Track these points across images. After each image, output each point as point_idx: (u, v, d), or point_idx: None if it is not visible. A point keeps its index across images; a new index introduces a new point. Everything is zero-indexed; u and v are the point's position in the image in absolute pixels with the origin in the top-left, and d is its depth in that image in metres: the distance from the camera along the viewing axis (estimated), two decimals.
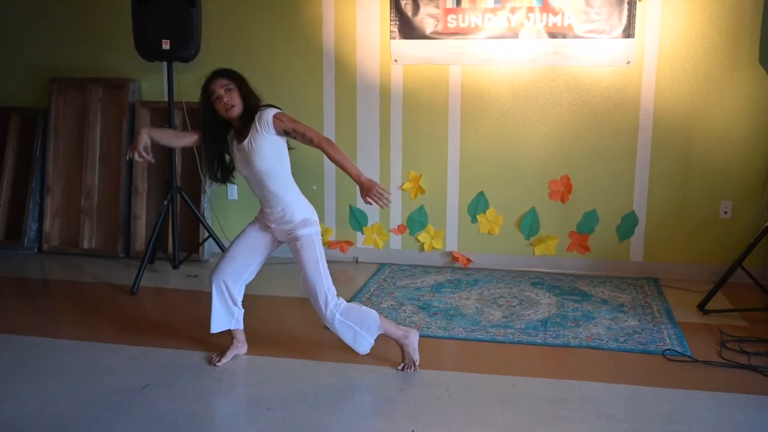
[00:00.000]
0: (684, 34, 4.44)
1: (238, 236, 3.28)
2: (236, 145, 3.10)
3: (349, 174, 2.98)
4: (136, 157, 3.04)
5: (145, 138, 3.05)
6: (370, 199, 2.93)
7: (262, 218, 3.23)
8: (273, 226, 3.18)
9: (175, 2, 4.44)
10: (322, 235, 3.33)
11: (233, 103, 3.02)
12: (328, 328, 3.21)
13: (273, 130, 3.03)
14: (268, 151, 3.04)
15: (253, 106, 3.07)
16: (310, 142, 3.02)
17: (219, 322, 3.26)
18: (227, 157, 3.19)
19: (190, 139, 3.26)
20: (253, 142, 3.03)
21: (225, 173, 3.22)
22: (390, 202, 3.01)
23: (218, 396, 3.02)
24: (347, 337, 3.18)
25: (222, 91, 3.02)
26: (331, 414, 2.85)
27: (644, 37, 4.48)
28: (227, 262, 3.22)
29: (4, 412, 2.86)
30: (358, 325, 3.15)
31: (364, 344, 3.20)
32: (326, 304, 3.10)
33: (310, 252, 3.10)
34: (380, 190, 2.92)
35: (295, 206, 3.15)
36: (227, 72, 3.08)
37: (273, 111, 3.05)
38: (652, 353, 3.44)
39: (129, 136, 5.20)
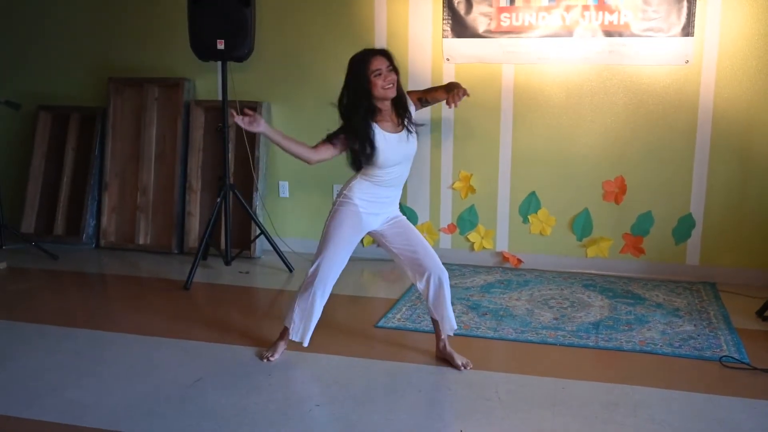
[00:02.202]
0: (746, 31, 4.32)
1: (337, 236, 3.14)
2: (388, 134, 3.03)
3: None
4: (242, 116, 2.90)
5: (257, 128, 2.94)
6: (453, 101, 3.03)
7: (369, 207, 3.15)
8: (382, 212, 3.19)
9: (229, 2, 4.50)
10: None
11: (393, 83, 2.98)
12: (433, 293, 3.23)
13: (413, 107, 3.15)
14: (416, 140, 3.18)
15: (402, 92, 3.08)
16: (439, 98, 3.19)
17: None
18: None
19: (326, 153, 3.04)
20: (411, 127, 3.10)
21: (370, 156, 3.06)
22: (460, 98, 3.06)
23: (268, 391, 3.05)
24: (449, 299, 3.27)
25: (386, 69, 2.96)
26: (379, 412, 2.85)
27: (704, 35, 4.37)
28: (337, 268, 3.20)
29: (63, 401, 2.94)
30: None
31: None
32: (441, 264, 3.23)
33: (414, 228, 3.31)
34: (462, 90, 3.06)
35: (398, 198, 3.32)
36: (388, 54, 3.01)
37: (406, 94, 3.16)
38: (708, 359, 3.35)
39: (184, 134, 5.30)
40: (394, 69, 3.01)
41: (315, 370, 3.28)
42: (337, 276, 3.24)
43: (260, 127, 2.93)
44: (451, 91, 3.09)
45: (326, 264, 3.17)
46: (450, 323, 3.28)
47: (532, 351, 3.48)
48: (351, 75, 3.01)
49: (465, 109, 4.82)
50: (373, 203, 3.16)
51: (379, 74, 2.95)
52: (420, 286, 3.25)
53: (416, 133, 3.15)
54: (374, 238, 3.33)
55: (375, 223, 3.21)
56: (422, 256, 3.20)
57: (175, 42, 5.15)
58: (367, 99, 2.98)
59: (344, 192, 3.17)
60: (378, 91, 2.97)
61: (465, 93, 3.06)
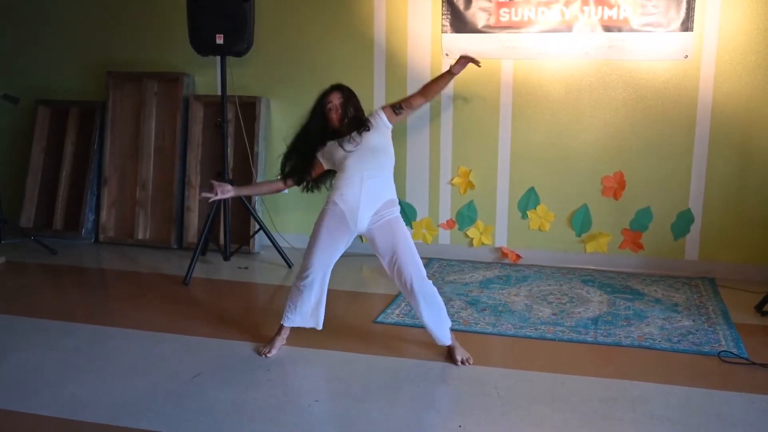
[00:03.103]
0: (745, 26, 4.31)
1: (317, 236, 3.23)
2: (346, 144, 3.24)
3: (446, 82, 3.62)
4: (210, 196, 3.34)
5: (228, 194, 3.39)
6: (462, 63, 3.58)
7: (347, 202, 3.19)
8: (364, 204, 3.18)
9: None
10: None
11: (341, 113, 3.27)
12: (422, 303, 3.21)
13: (384, 120, 3.33)
14: (381, 136, 3.32)
15: (359, 115, 3.33)
16: (414, 102, 3.48)
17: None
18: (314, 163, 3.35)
19: (278, 185, 3.45)
20: (366, 133, 3.26)
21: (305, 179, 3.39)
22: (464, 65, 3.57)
23: (267, 386, 3.05)
24: (439, 313, 3.24)
25: (337, 103, 3.27)
26: (378, 407, 2.85)
27: (703, 31, 4.36)
28: (323, 267, 3.26)
29: (63, 397, 2.94)
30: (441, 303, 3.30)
31: (448, 319, 3.30)
32: (425, 275, 3.22)
33: (405, 228, 3.25)
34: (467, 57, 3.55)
35: (392, 185, 3.30)
36: (341, 87, 3.34)
37: (378, 108, 3.39)
38: (706, 354, 3.36)
39: (183, 129, 5.30)
40: (347, 101, 3.29)
41: (314, 366, 3.28)
42: (327, 273, 3.28)
43: (230, 192, 3.38)
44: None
45: (310, 263, 3.24)
46: (436, 337, 3.28)
47: (531, 346, 3.48)
48: (314, 109, 3.35)
49: (464, 105, 4.82)
50: (349, 194, 3.19)
51: (331, 108, 3.27)
52: (405, 296, 3.30)
53: (359, 135, 3.25)
54: (368, 242, 3.34)
55: (362, 221, 3.19)
56: (408, 267, 3.19)
57: (175, 36, 5.14)
58: (324, 124, 3.31)
59: (329, 197, 3.29)
60: (333, 122, 3.29)
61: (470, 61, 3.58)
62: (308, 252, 3.27)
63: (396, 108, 3.39)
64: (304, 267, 3.27)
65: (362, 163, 3.21)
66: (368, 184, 3.20)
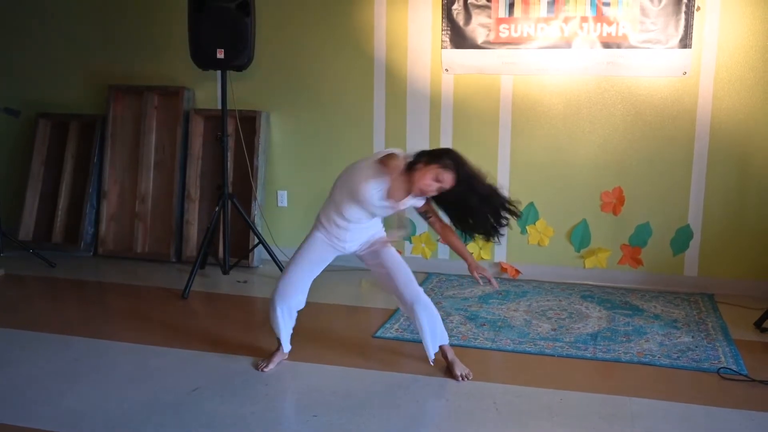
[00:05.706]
0: (743, 43, 4.34)
1: (300, 253, 3.26)
2: (388, 199, 3.08)
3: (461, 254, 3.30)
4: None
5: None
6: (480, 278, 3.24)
7: (336, 232, 3.21)
8: (352, 239, 3.20)
9: (230, 12, 4.52)
10: None
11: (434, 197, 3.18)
12: (417, 315, 3.22)
13: (421, 201, 3.19)
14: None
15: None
16: (436, 223, 3.29)
17: (289, 338, 3.36)
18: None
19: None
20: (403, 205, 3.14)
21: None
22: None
23: (265, 401, 3.04)
24: (435, 324, 3.23)
25: (447, 187, 3.04)
26: (377, 422, 2.84)
27: (702, 47, 4.39)
28: (292, 287, 3.24)
29: (61, 409, 2.93)
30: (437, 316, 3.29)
31: (444, 333, 3.28)
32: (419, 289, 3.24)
33: (394, 250, 3.30)
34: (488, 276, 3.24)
35: (379, 224, 3.32)
36: (458, 169, 3.05)
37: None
38: (706, 371, 3.35)
39: (183, 143, 5.31)
40: (453, 190, 3.06)
41: (312, 380, 3.27)
42: (298, 293, 3.26)
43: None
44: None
45: (284, 282, 3.25)
46: (427, 351, 3.27)
47: (530, 362, 3.48)
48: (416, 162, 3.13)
49: (464, 120, 4.83)
50: (339, 229, 3.19)
51: (436, 188, 3.05)
52: (402, 309, 3.33)
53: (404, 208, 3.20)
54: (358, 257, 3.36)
55: (350, 250, 3.25)
56: (400, 284, 3.22)
57: (175, 51, 5.16)
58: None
59: (320, 213, 3.27)
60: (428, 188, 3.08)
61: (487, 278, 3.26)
62: (284, 274, 3.27)
63: (429, 213, 3.27)
64: (278, 287, 3.24)
65: (359, 219, 3.19)
66: (362, 227, 3.22)
